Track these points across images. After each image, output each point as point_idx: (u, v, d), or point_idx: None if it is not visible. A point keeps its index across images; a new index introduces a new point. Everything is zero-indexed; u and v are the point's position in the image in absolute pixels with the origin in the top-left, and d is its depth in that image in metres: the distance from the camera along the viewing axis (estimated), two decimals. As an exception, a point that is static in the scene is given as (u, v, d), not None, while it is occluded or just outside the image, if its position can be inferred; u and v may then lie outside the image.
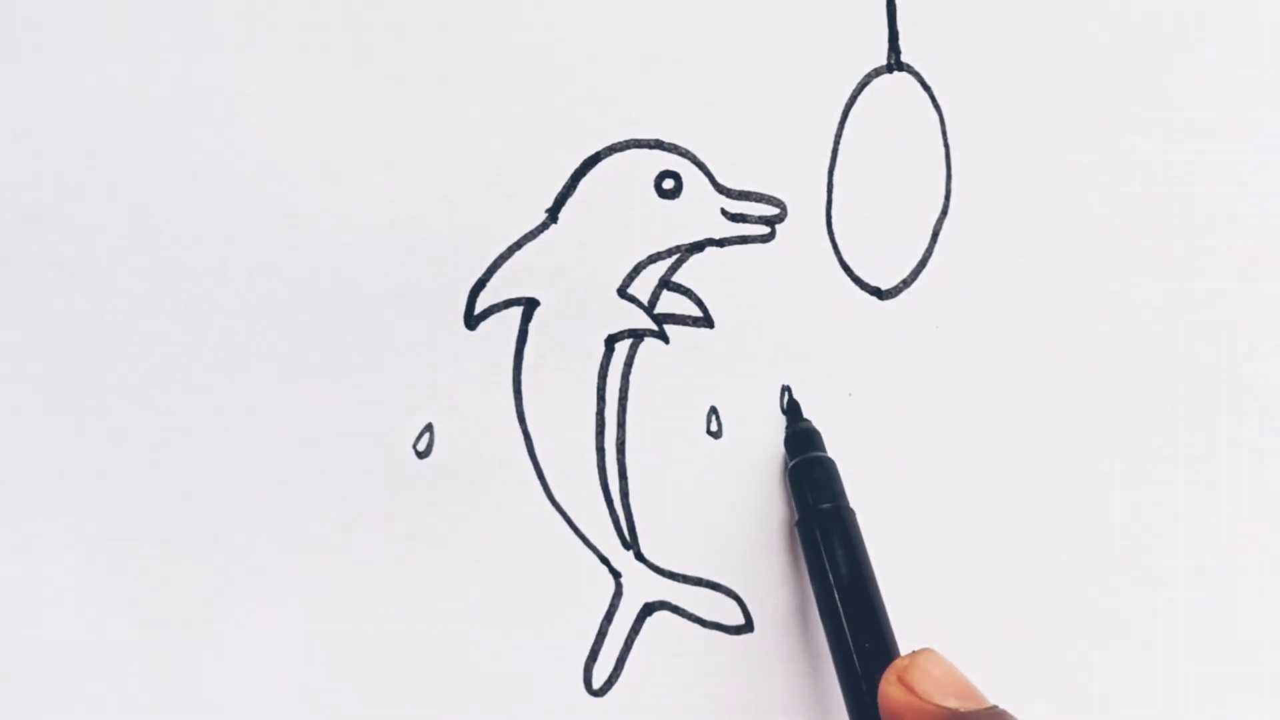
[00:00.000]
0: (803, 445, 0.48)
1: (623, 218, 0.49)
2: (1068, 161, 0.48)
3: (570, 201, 0.49)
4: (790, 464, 0.48)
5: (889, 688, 0.39)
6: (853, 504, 0.49)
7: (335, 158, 0.48)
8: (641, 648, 0.50)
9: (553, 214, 0.49)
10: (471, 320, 0.49)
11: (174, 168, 0.48)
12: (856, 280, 0.49)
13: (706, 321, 0.49)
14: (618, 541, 0.50)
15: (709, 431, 0.49)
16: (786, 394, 0.48)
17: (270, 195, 0.48)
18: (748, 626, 0.50)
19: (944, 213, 0.49)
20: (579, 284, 0.49)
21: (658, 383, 0.49)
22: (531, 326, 0.49)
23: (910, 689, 0.38)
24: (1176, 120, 0.48)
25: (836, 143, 0.49)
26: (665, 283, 0.49)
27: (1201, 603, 0.50)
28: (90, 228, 0.48)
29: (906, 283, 0.49)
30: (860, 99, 0.48)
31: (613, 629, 0.50)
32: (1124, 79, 0.48)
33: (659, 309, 0.49)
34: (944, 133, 0.49)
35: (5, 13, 0.48)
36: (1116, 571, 0.49)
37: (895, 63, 0.48)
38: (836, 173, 0.49)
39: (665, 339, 0.49)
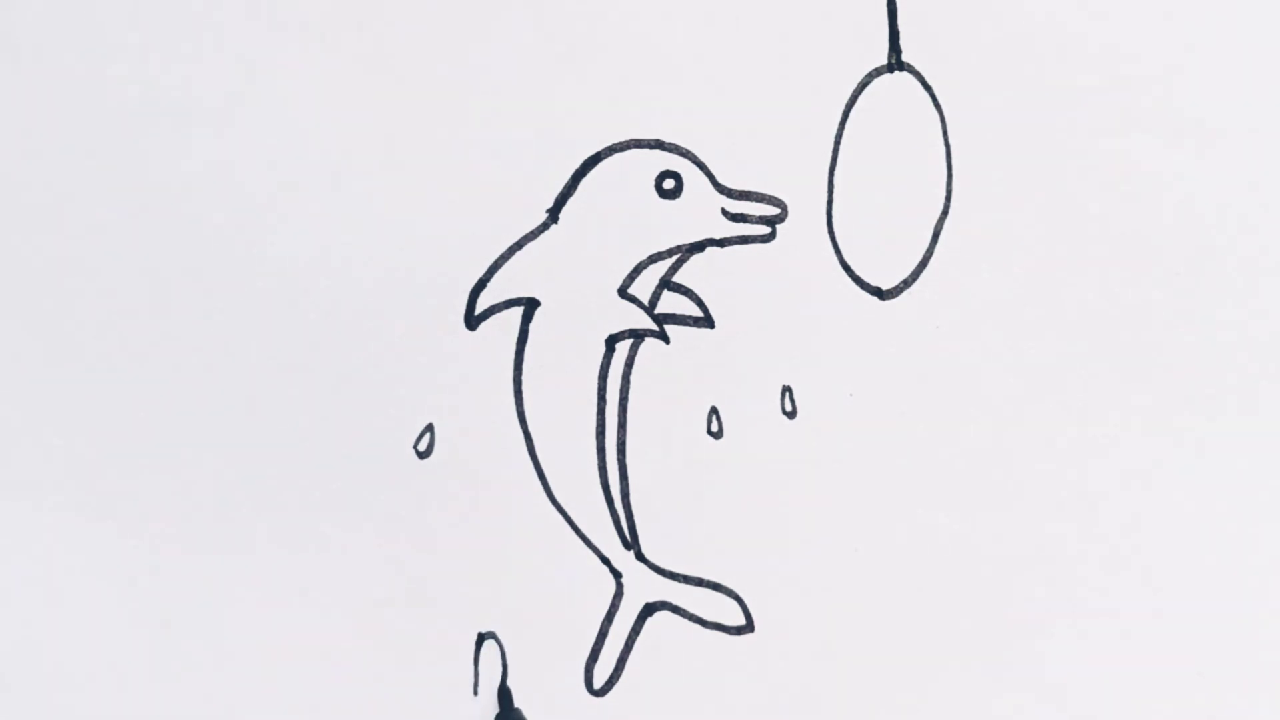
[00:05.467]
0: None
1: (623, 218, 0.49)
2: (1068, 161, 0.48)
3: (571, 201, 0.49)
4: None
5: None
6: (852, 504, 0.49)
7: (335, 157, 0.48)
8: (642, 648, 0.50)
9: (553, 214, 0.49)
10: (472, 320, 0.49)
11: (174, 168, 0.48)
12: (857, 280, 0.49)
13: (707, 321, 0.49)
14: (618, 542, 0.50)
15: (709, 431, 0.49)
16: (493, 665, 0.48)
17: (270, 195, 0.48)
18: (748, 627, 0.50)
19: (945, 213, 0.49)
20: (579, 284, 0.49)
21: (658, 383, 0.49)
22: (532, 326, 0.49)
23: None
24: (1177, 119, 0.48)
25: (837, 143, 0.49)
26: (666, 283, 0.49)
27: (1204, 604, 0.49)
28: (90, 228, 0.49)
29: (907, 283, 0.49)
30: (861, 99, 0.48)
31: (613, 629, 0.50)
32: (1124, 79, 0.48)
33: (659, 309, 0.49)
34: (945, 133, 0.49)
35: (5, 13, 0.48)
36: (1118, 572, 0.49)
37: (896, 62, 0.48)
38: (837, 173, 0.49)
39: (666, 339, 0.49)
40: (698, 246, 0.49)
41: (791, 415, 0.49)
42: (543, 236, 0.49)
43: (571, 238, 0.49)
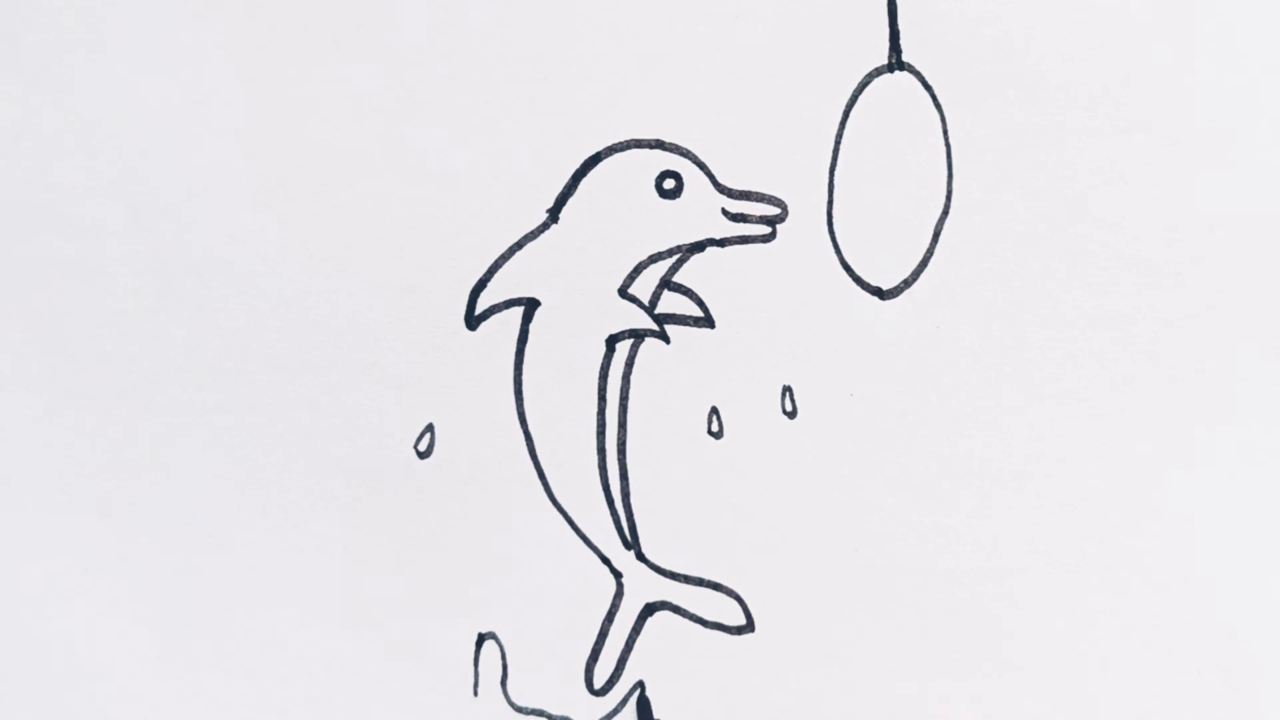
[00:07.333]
0: None
1: (623, 218, 0.49)
2: (1068, 161, 0.48)
3: (571, 201, 0.49)
4: None
5: None
6: (852, 504, 0.49)
7: (336, 158, 0.48)
8: (643, 648, 0.50)
9: (553, 214, 0.49)
10: (472, 320, 0.49)
11: (174, 168, 0.48)
12: (857, 280, 0.49)
13: (707, 321, 0.49)
14: (619, 541, 0.50)
15: (709, 431, 0.49)
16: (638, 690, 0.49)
17: (270, 195, 0.48)
18: (749, 626, 0.50)
19: (945, 212, 0.49)
20: (580, 284, 0.49)
21: (658, 383, 0.49)
22: (532, 326, 0.49)
23: None
24: (1177, 119, 0.48)
25: (837, 143, 0.49)
26: (666, 283, 0.49)
27: (1205, 605, 0.49)
28: (90, 228, 0.49)
29: (907, 283, 0.49)
30: (861, 99, 0.48)
31: (614, 629, 0.50)
32: (1124, 78, 0.48)
33: (660, 309, 0.49)
34: (945, 132, 0.48)
35: (6, 13, 0.48)
36: (1119, 572, 0.49)
37: (896, 62, 0.48)
38: (837, 173, 0.49)
39: (666, 339, 0.49)
40: (698, 246, 0.49)
41: (791, 415, 0.49)
42: (543, 236, 0.49)
43: (571, 238, 0.49)
